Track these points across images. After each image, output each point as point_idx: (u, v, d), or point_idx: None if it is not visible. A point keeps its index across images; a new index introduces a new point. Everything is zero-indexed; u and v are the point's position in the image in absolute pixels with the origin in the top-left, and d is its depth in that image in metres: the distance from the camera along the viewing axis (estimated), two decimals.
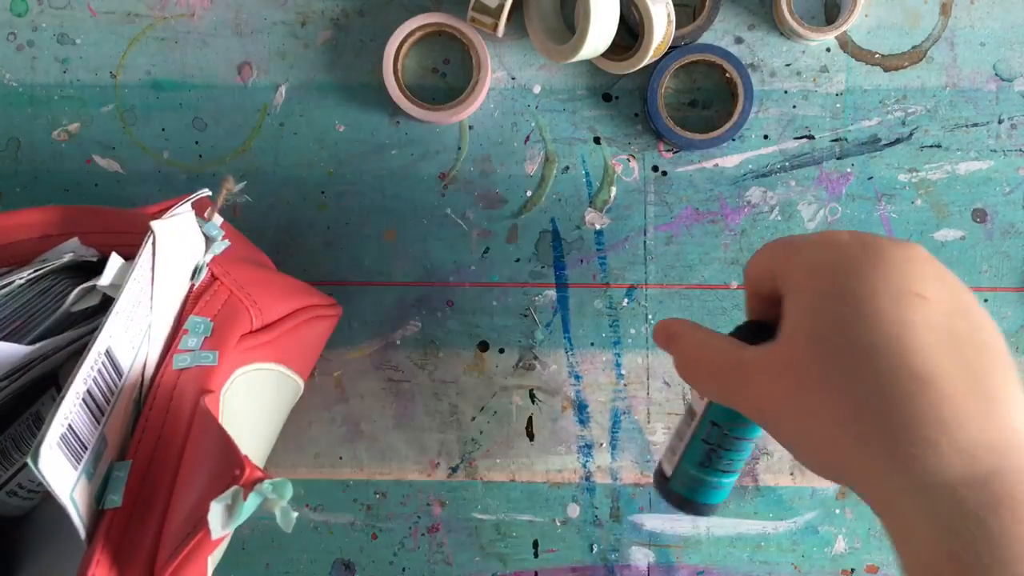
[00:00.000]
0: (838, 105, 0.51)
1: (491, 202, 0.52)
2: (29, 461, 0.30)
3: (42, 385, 0.44)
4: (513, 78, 0.51)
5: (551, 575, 0.52)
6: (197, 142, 0.52)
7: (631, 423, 0.52)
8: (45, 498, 0.47)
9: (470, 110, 0.51)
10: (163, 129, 0.52)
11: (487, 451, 0.52)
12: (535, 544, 0.52)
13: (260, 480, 0.30)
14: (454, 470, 0.52)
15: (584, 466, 0.52)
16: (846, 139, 0.51)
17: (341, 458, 0.52)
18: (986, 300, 0.51)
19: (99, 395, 0.34)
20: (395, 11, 0.51)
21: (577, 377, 0.52)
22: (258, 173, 0.52)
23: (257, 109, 0.52)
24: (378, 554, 0.52)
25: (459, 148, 0.52)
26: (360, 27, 0.52)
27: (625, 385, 0.52)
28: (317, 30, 0.52)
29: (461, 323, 0.52)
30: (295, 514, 0.31)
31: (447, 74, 0.52)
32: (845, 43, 0.51)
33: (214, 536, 0.30)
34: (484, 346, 0.52)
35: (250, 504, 0.30)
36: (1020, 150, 0.50)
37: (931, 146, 0.51)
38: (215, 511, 0.30)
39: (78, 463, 0.33)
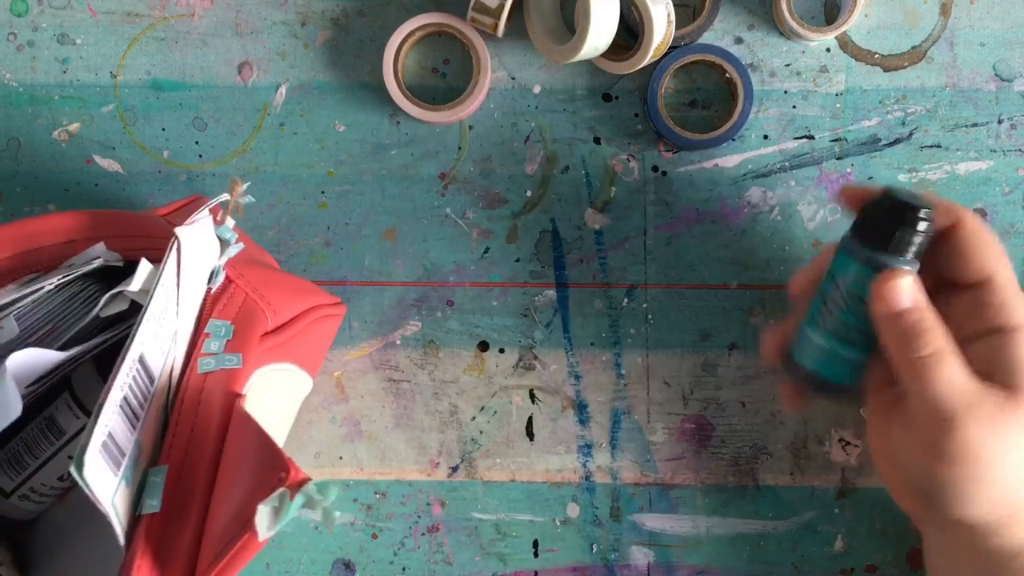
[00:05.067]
0: (838, 105, 0.51)
1: (491, 202, 0.52)
2: (73, 470, 0.30)
3: (53, 390, 0.44)
4: (513, 78, 0.51)
5: (551, 575, 0.52)
6: (197, 142, 0.52)
7: (631, 423, 0.52)
8: (56, 501, 0.47)
9: (470, 110, 0.51)
10: (163, 129, 0.52)
11: (487, 451, 0.52)
12: (535, 544, 0.52)
13: (305, 482, 0.31)
14: (454, 470, 0.52)
15: (584, 466, 0.52)
16: (846, 139, 0.51)
17: (341, 458, 0.52)
18: None
19: (134, 401, 0.35)
20: (395, 11, 0.51)
21: (577, 377, 0.52)
22: (258, 173, 0.52)
23: (257, 109, 0.52)
24: (378, 554, 0.52)
25: (459, 148, 0.52)
26: (360, 27, 0.52)
27: (625, 385, 0.52)
28: (317, 30, 0.52)
29: (461, 323, 0.52)
30: (338, 513, 0.31)
31: (447, 74, 0.52)
32: (845, 43, 0.51)
33: (261, 538, 0.31)
34: (484, 346, 0.52)
35: (295, 505, 0.31)
36: (1020, 150, 0.51)
37: (931, 146, 0.51)
38: (262, 513, 0.30)
39: (118, 469, 0.33)
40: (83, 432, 0.32)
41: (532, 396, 0.52)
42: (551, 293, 0.52)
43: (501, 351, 0.52)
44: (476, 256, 0.52)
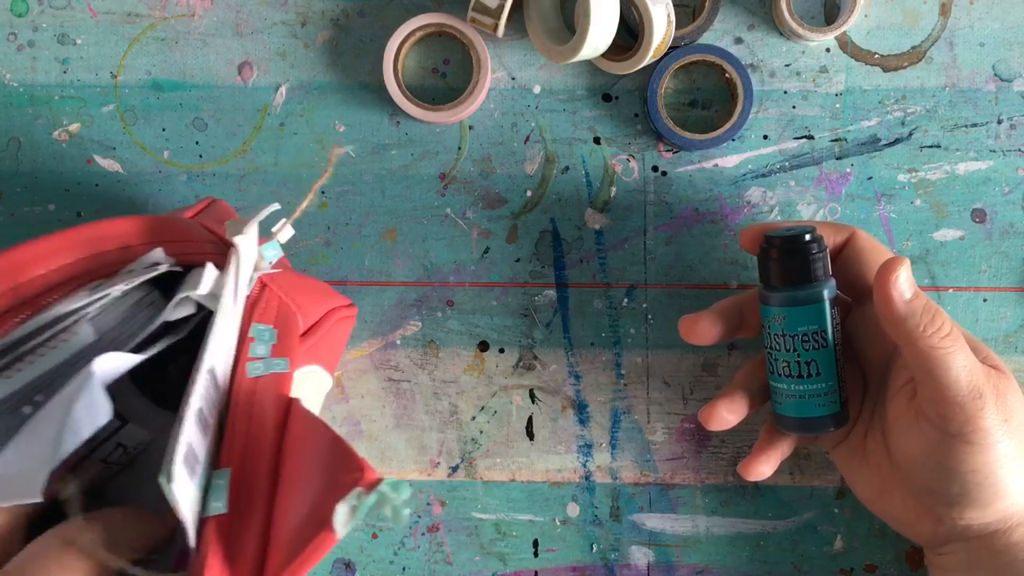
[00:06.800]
0: (838, 105, 0.51)
1: (491, 202, 0.52)
2: (162, 482, 0.32)
3: None
4: (513, 78, 0.52)
5: (551, 575, 0.52)
6: (197, 142, 0.52)
7: (631, 423, 0.52)
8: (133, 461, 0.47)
9: (470, 110, 0.51)
10: (163, 129, 0.52)
11: (487, 451, 0.52)
12: (535, 544, 0.52)
13: (379, 481, 0.31)
14: (454, 470, 0.52)
15: (584, 466, 0.52)
16: (846, 139, 0.51)
17: None
18: (985, 300, 0.51)
19: (205, 410, 0.35)
20: (395, 11, 0.52)
21: (577, 377, 0.52)
22: (258, 173, 0.52)
23: (257, 109, 0.52)
24: (378, 554, 0.52)
25: (459, 148, 0.52)
26: (360, 27, 0.52)
27: (625, 385, 0.52)
28: (317, 30, 0.52)
29: (461, 323, 0.52)
30: (408, 511, 0.32)
31: (447, 74, 0.52)
32: (845, 43, 0.51)
33: (339, 536, 0.31)
34: (484, 346, 0.52)
35: (369, 504, 0.31)
36: (1019, 150, 0.51)
37: (930, 146, 0.51)
38: (341, 512, 0.31)
39: (194, 477, 0.34)
40: (164, 445, 0.33)
41: (532, 396, 0.52)
42: (551, 293, 0.52)
43: (501, 351, 0.52)
44: (476, 256, 0.52)
